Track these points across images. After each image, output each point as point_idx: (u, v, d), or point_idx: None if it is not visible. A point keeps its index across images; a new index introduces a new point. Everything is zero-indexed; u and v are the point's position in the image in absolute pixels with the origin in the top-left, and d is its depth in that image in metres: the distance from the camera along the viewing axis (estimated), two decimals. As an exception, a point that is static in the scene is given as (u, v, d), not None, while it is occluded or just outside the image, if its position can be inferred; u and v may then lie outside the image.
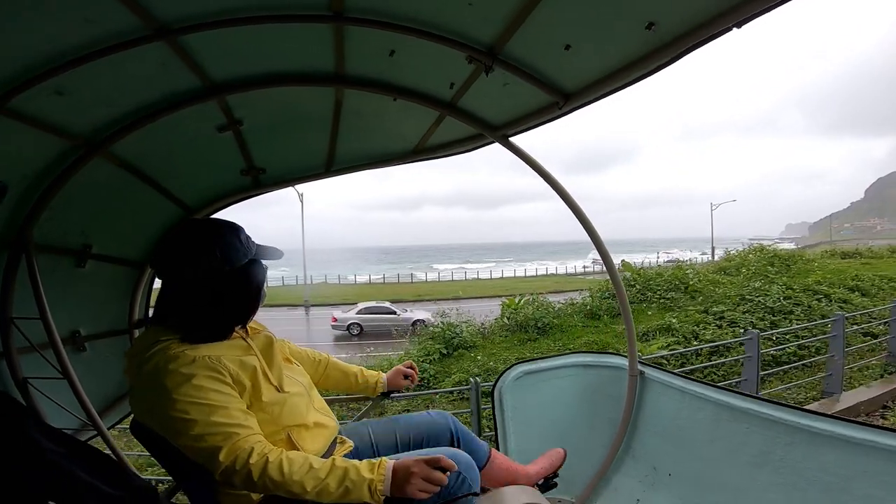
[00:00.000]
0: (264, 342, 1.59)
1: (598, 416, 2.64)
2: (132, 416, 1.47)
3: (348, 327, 24.22)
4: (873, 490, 1.57)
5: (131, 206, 2.25)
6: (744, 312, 11.75)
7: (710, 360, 9.31)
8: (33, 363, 1.98)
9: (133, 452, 4.48)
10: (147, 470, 5.29)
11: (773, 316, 11.42)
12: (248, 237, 1.56)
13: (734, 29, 1.14)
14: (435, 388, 10.05)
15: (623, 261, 18.32)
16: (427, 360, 11.84)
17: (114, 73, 1.50)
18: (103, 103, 1.72)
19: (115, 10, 1.22)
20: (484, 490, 1.85)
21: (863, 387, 7.32)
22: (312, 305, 31.41)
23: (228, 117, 1.99)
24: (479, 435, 2.91)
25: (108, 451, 2.13)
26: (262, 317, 1.76)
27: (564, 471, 2.56)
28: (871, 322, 9.99)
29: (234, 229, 1.54)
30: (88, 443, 1.41)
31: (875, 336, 9.25)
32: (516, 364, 2.75)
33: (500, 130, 2.15)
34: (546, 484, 2.11)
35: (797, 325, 10.23)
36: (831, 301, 12.02)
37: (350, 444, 1.70)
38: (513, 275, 54.79)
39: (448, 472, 1.31)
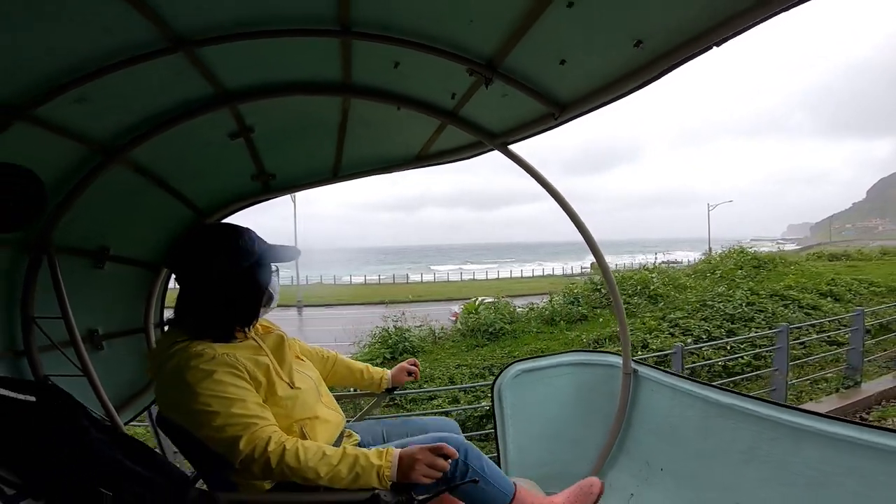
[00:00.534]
0: (276, 341, 1.64)
1: (593, 413, 2.67)
2: (156, 410, 1.53)
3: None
4: (853, 485, 1.59)
5: (147, 210, 2.30)
6: (702, 319, 10.96)
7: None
8: (53, 361, 2.04)
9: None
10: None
11: (732, 323, 10.67)
12: (255, 239, 1.58)
13: (714, 48, 1.20)
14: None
15: (593, 264, 17.79)
16: (372, 364, 11.21)
17: (132, 82, 1.55)
18: (122, 111, 1.77)
19: (137, 22, 1.28)
20: None
21: (812, 402, 7.00)
22: (305, 306, 31.07)
23: (240, 124, 2.04)
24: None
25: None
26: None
27: (561, 466, 2.59)
28: (840, 330, 9.50)
29: (240, 232, 1.56)
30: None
31: (840, 345, 8.76)
32: (515, 363, 2.79)
33: (499, 138, 2.20)
34: None
35: (755, 333, 9.72)
36: (800, 307, 11.44)
37: (357, 437, 1.74)
38: (509, 276, 53.72)
39: (450, 460, 1.36)
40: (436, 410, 8.01)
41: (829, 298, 12.22)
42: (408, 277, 52.77)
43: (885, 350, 8.76)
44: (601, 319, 12.86)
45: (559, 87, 1.76)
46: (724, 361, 8.71)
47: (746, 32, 1.12)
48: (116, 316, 2.46)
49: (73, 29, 1.27)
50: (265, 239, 1.65)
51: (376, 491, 1.28)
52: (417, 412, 7.91)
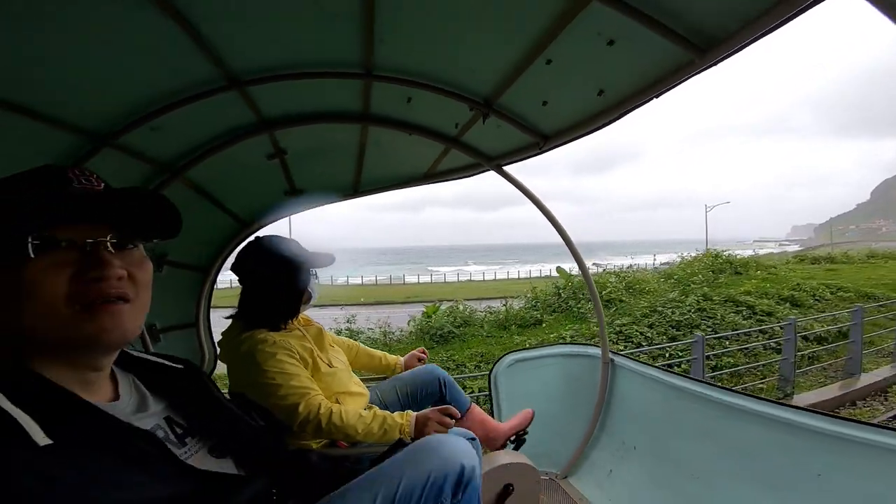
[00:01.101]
0: (316, 331, 1.97)
1: (577, 399, 2.89)
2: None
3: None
4: (776, 457, 1.83)
5: (198, 221, 2.53)
6: (647, 326, 10.40)
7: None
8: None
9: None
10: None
11: (677, 330, 10.19)
12: (298, 248, 1.89)
13: (654, 98, 1.51)
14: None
15: (558, 267, 17.03)
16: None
17: (193, 114, 1.77)
18: (183, 137, 2.02)
19: (204, 66, 1.53)
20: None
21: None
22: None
23: (276, 148, 2.28)
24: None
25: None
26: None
27: (550, 446, 2.81)
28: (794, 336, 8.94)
29: (286, 243, 1.88)
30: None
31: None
32: (509, 353, 3.05)
33: (494, 161, 2.44)
34: (518, 439, 2.28)
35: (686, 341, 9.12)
36: (754, 313, 10.89)
37: (376, 408, 2.06)
38: (506, 277, 51.42)
39: (454, 418, 1.68)
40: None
41: (787, 304, 11.64)
42: (403, 279, 51.21)
43: (827, 361, 8.42)
44: (543, 325, 12.30)
45: (542, 122, 2.03)
46: (685, 366, 8.12)
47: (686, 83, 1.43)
48: (172, 313, 2.69)
49: (155, 70, 1.51)
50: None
51: (400, 437, 1.58)
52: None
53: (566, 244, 2.58)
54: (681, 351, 8.94)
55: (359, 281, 47.30)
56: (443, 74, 1.79)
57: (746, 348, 9.01)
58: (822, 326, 9.70)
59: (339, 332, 11.72)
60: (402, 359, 2.47)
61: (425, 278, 53.24)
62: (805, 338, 9.12)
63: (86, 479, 0.61)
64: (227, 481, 0.81)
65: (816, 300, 12.28)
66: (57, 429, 0.62)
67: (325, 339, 1.98)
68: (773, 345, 8.85)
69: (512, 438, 2.25)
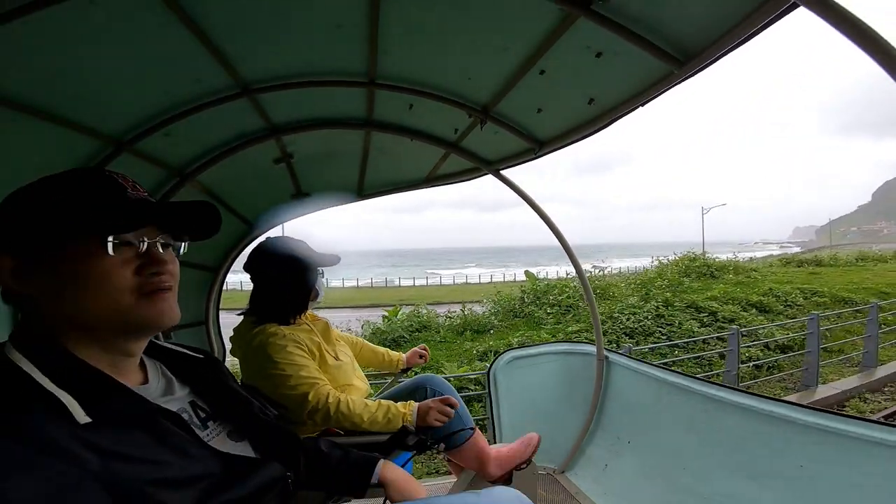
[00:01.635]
0: (323, 326, 2.05)
1: (574, 395, 2.96)
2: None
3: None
4: (760, 448, 1.91)
5: None
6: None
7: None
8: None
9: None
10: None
11: (631, 338, 9.91)
12: (306, 249, 1.98)
13: (640, 107, 1.61)
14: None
15: (526, 272, 16.60)
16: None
17: (206, 120, 1.86)
18: (195, 142, 2.10)
19: (218, 74, 1.61)
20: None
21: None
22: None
23: (283, 152, 2.36)
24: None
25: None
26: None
27: (547, 442, 2.86)
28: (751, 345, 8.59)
29: (295, 244, 1.97)
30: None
31: (745, 362, 7.85)
32: (508, 350, 3.12)
33: (493, 165, 2.52)
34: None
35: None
36: (716, 319, 10.38)
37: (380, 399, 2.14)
38: (502, 279, 47.73)
39: (454, 409, 1.75)
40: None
41: (754, 310, 11.13)
42: (399, 282, 50.28)
43: (788, 371, 8.09)
44: (489, 333, 11.75)
45: (538, 129, 2.12)
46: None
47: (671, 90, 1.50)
48: (183, 311, 2.75)
49: (173, 79, 1.60)
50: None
51: (404, 424, 1.65)
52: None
53: (562, 246, 2.66)
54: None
55: (354, 283, 46.60)
56: (443, 83, 1.88)
57: (700, 357, 8.62)
58: (787, 334, 9.32)
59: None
60: (404, 355, 2.54)
61: (421, 281, 52.05)
62: (766, 346, 8.85)
63: (124, 455, 0.67)
64: (246, 463, 0.87)
65: (787, 306, 11.79)
66: (96, 408, 0.68)
67: (332, 334, 2.06)
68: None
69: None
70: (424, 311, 13.61)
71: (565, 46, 1.45)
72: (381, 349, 2.50)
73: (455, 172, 2.81)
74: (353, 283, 46.29)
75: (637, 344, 9.50)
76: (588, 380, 2.89)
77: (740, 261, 18.19)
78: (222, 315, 3.09)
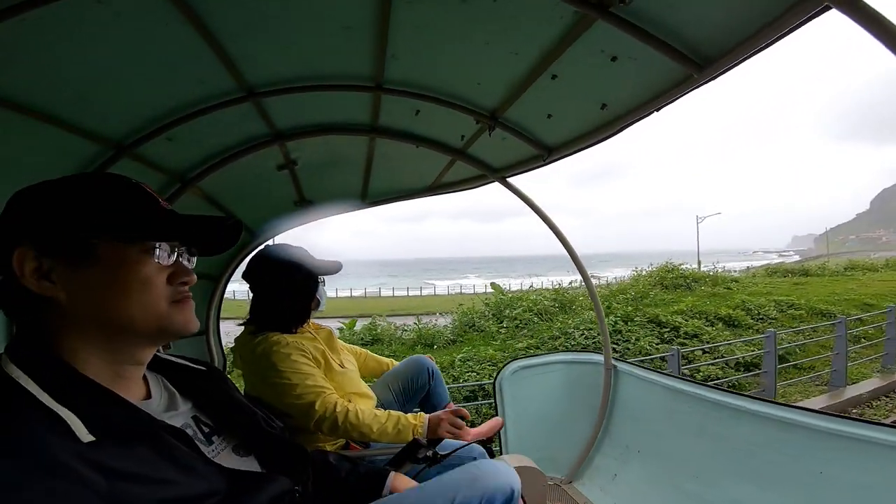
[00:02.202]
0: (327, 334, 2.00)
1: (581, 405, 2.91)
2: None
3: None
4: (777, 455, 1.87)
5: None
6: (549, 351, 8.49)
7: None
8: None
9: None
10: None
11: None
12: (306, 257, 1.93)
13: (654, 112, 1.57)
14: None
15: (493, 283, 16.20)
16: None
17: (208, 124, 1.81)
18: (197, 147, 2.05)
19: (223, 77, 1.56)
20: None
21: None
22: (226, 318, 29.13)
23: (286, 158, 2.30)
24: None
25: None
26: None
27: (555, 452, 2.83)
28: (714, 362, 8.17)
29: (294, 252, 1.92)
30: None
31: (702, 382, 7.14)
32: (513, 360, 3.07)
33: (499, 173, 2.48)
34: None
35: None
36: (678, 334, 9.79)
37: (389, 410, 2.09)
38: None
39: (465, 419, 1.70)
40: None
41: (721, 324, 10.54)
42: (393, 292, 49.45)
43: (748, 391, 7.43)
44: (436, 347, 11.09)
45: (547, 135, 2.07)
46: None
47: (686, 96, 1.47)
48: None
49: (177, 81, 1.55)
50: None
51: (415, 437, 1.59)
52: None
53: (570, 255, 2.62)
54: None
55: (348, 293, 46.29)
56: (450, 88, 1.84)
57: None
58: (751, 350, 8.65)
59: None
60: None
61: (415, 291, 50.76)
62: (727, 363, 8.43)
63: (129, 475, 0.64)
64: (252, 479, 0.84)
65: (759, 319, 11.13)
66: (99, 425, 0.65)
67: (336, 343, 2.01)
68: (686, 372, 7.88)
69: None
70: (383, 324, 12.97)
71: (579, 50, 1.41)
72: (385, 359, 2.45)
73: (460, 180, 2.78)
74: (347, 293, 46.04)
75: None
76: (595, 389, 2.85)
77: (721, 271, 17.83)
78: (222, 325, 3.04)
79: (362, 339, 11.95)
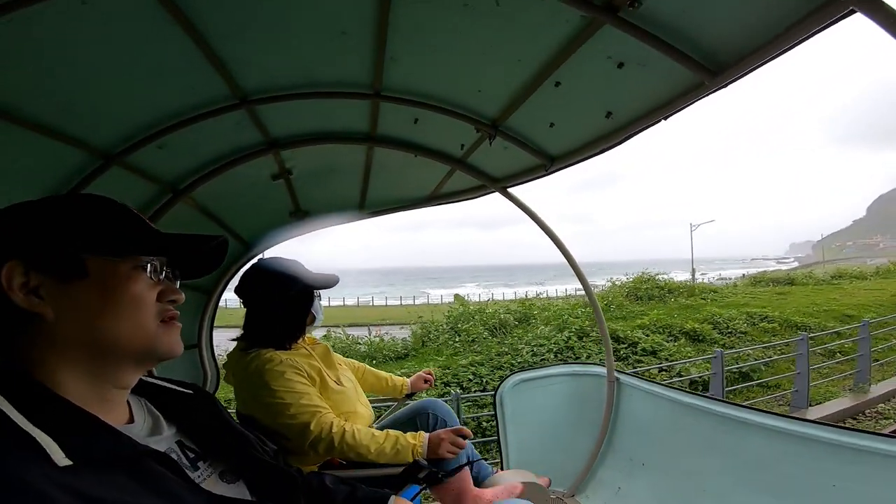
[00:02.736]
0: (323, 350, 1.91)
1: (583, 417, 2.85)
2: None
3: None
4: (788, 469, 1.82)
5: None
6: (493, 367, 8.75)
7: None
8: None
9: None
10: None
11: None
12: (301, 270, 1.85)
13: (662, 121, 1.52)
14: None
15: (456, 295, 15.99)
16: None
17: (201, 132, 1.74)
18: (190, 156, 1.98)
19: (215, 84, 1.50)
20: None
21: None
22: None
23: (281, 168, 2.24)
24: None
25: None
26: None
27: (557, 466, 2.77)
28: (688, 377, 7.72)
29: (289, 265, 1.84)
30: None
31: None
32: (514, 373, 3.01)
33: (500, 183, 2.42)
34: None
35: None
36: (635, 351, 9.38)
37: (388, 429, 2.00)
38: (490, 298, 47.35)
39: (467, 438, 1.62)
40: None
41: (684, 339, 10.13)
42: (386, 300, 48.88)
43: None
44: (383, 363, 10.75)
45: (549, 144, 2.02)
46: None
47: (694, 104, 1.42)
48: None
49: (169, 88, 1.48)
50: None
51: (415, 458, 1.51)
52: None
53: (569, 264, 2.57)
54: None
55: (341, 302, 45.76)
56: (451, 95, 1.79)
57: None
58: (708, 368, 7.69)
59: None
60: (408, 380, 2.41)
61: (409, 301, 49.39)
62: (682, 384, 7.87)
63: (106, 502, 0.60)
64: None
65: (726, 334, 10.70)
66: (77, 450, 0.61)
67: (333, 359, 1.92)
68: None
69: None
70: (341, 335, 12.43)
71: (585, 56, 1.36)
72: (385, 374, 2.38)
73: (460, 190, 2.72)
74: (340, 302, 45.75)
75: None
76: (598, 401, 2.79)
77: (714, 280, 18.03)
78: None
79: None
